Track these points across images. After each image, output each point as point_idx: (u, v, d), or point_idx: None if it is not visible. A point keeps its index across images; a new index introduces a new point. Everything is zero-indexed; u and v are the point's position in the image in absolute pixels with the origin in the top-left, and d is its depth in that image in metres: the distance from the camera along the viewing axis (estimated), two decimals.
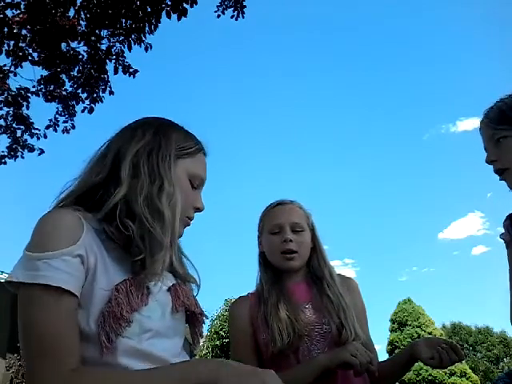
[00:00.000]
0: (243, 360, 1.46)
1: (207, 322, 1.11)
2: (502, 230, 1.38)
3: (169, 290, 0.99)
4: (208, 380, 0.78)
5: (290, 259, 1.52)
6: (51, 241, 0.82)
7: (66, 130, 5.91)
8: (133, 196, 0.91)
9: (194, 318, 1.05)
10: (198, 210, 1.05)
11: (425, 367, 19.76)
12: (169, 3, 4.92)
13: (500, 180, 1.28)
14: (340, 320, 1.43)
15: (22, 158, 5.90)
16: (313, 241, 1.61)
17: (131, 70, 5.56)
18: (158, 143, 0.98)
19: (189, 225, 1.05)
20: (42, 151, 6.00)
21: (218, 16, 5.46)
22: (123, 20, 5.13)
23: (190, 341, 1.09)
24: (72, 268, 0.83)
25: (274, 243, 1.54)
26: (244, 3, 5.41)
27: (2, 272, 10.57)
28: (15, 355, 10.30)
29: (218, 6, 5.45)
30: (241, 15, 5.42)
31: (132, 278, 0.89)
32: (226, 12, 5.43)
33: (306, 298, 1.52)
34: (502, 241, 1.41)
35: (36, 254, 0.81)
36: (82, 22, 5.22)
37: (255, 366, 1.38)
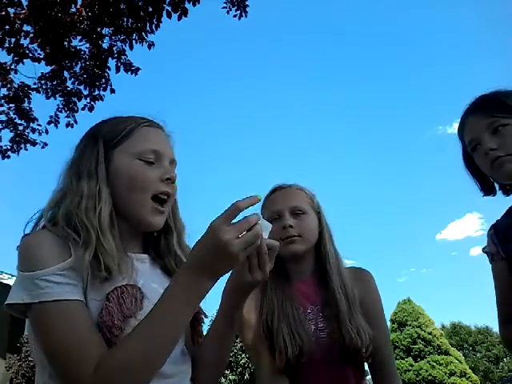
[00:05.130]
0: (256, 347, 1.38)
1: (207, 321, 1.09)
2: None
3: None
4: (211, 285, 0.83)
5: (292, 242, 1.40)
6: (44, 258, 0.85)
7: (69, 125, 5.90)
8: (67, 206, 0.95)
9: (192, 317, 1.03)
10: (169, 180, 1.01)
11: (425, 367, 19.76)
12: (170, 2, 4.91)
13: (493, 167, 1.22)
14: (340, 323, 1.34)
15: (26, 149, 5.93)
16: (320, 225, 1.49)
17: (133, 68, 5.56)
18: (82, 153, 1.01)
19: (165, 201, 1.01)
20: (45, 144, 6.02)
21: (228, 12, 5.40)
22: (125, 19, 5.12)
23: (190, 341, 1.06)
24: (70, 279, 0.86)
25: (275, 231, 1.41)
26: (246, 2, 5.40)
27: (2, 272, 10.55)
28: (15, 355, 10.28)
29: (225, 3, 5.42)
30: (244, 14, 5.41)
31: (124, 286, 0.91)
32: (231, 10, 5.40)
33: (313, 301, 1.43)
34: (486, 255, 1.35)
35: (32, 273, 0.84)
36: (83, 19, 5.20)
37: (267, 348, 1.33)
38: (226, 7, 5.41)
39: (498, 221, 1.34)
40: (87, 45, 5.43)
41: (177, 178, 1.03)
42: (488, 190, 1.33)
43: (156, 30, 5.19)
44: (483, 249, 1.38)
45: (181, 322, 0.84)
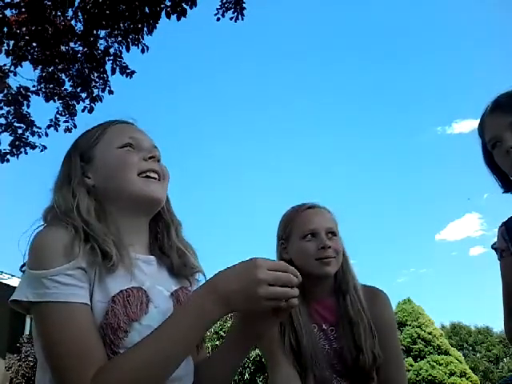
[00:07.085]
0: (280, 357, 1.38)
1: None
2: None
3: (172, 295, 1.01)
4: (221, 315, 0.82)
5: (328, 264, 1.41)
6: (53, 257, 0.84)
7: (68, 130, 5.93)
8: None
9: None
10: (153, 158, 1.03)
11: (424, 367, 19.76)
12: (168, 3, 4.94)
13: None
14: (356, 343, 1.38)
15: (26, 153, 5.93)
16: None
17: (128, 71, 5.59)
18: (61, 171, 1.05)
19: (154, 178, 1.02)
20: (44, 147, 6.02)
21: (218, 19, 5.45)
22: (121, 21, 5.15)
23: None
24: (78, 280, 0.85)
25: (309, 250, 1.42)
26: (244, 5, 5.42)
27: (2, 272, 10.58)
28: (15, 355, 10.30)
29: (217, 9, 5.44)
30: (240, 17, 5.42)
31: (130, 289, 0.90)
32: (225, 14, 5.43)
33: (329, 320, 1.46)
34: (495, 251, 1.40)
35: (40, 271, 0.83)
36: (79, 22, 5.23)
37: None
38: (217, 13, 5.43)
39: (509, 218, 1.37)
40: (84, 47, 5.45)
41: (161, 157, 1.06)
42: (508, 187, 1.34)
43: (153, 31, 5.22)
44: (492, 245, 1.41)
45: (188, 345, 0.84)
